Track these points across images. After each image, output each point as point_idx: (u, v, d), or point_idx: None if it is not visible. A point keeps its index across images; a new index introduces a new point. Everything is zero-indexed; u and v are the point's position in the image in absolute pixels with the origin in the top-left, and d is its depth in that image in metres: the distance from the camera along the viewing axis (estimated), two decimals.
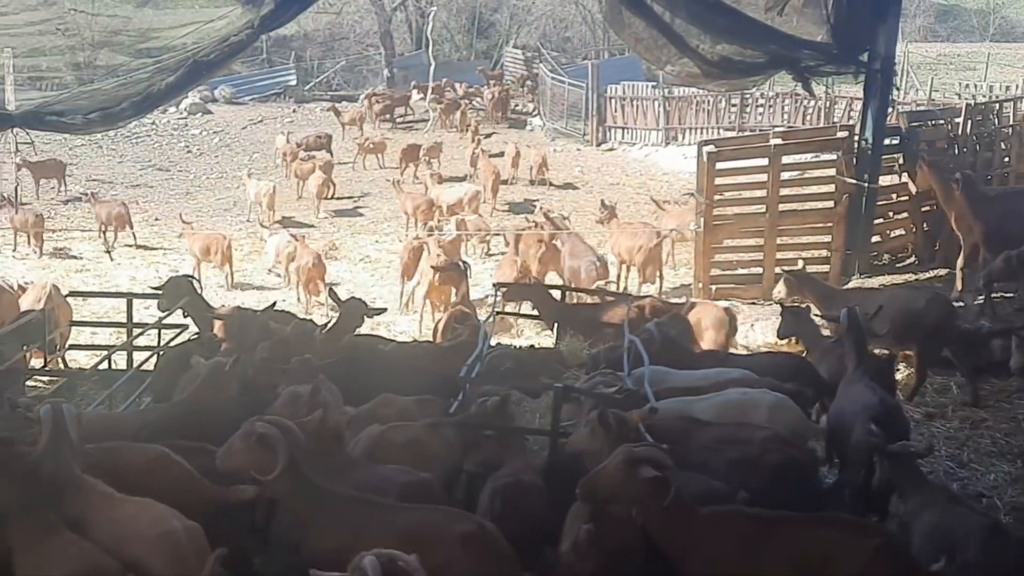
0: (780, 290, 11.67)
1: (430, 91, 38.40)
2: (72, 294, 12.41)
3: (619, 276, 16.59)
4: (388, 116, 36.30)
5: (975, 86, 32.91)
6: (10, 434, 5.88)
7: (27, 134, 14.26)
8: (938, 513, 5.84)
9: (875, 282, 13.18)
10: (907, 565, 5.27)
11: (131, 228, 21.49)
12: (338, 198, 26.31)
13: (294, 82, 43.80)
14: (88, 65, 13.09)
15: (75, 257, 20.68)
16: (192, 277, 12.08)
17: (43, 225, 20.88)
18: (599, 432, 6.18)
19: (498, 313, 12.16)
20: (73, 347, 11.67)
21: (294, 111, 39.25)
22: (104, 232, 21.34)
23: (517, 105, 39.58)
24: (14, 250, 20.91)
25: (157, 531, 5.30)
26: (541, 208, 19.88)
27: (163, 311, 10.71)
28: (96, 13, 13.15)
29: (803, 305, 10.64)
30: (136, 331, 11.05)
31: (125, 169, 30.81)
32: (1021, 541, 5.93)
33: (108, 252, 20.33)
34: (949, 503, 5.97)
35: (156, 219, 24.29)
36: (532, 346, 10.69)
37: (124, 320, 11.38)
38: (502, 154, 28.72)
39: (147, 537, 5.27)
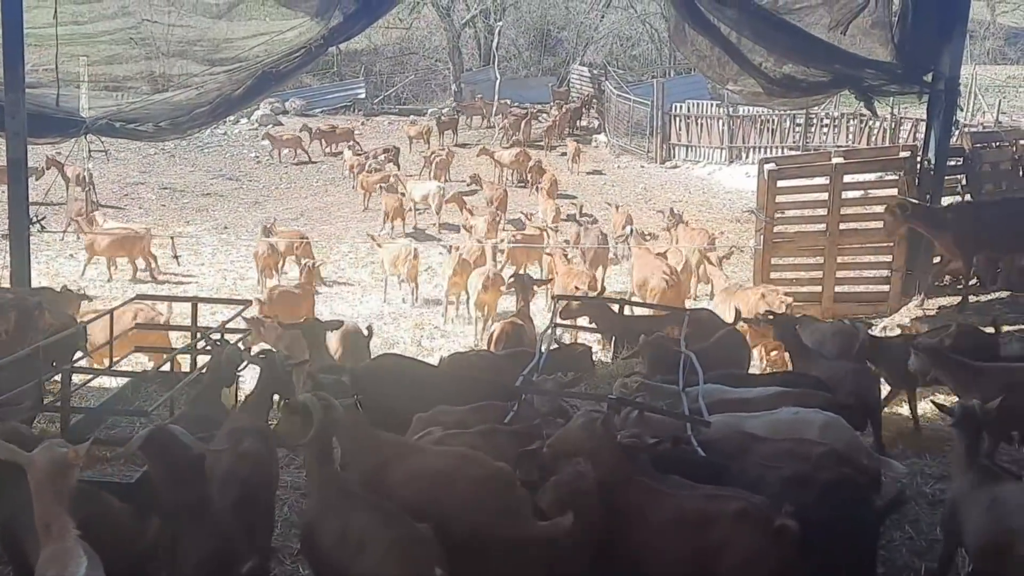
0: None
1: (495, 107, 38.88)
2: (139, 297, 12.68)
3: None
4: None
5: None
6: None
7: (100, 141, 14.58)
8: None
9: (935, 303, 13.04)
10: None
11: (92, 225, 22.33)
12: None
13: (363, 95, 44.37)
14: (163, 75, 13.39)
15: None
16: None
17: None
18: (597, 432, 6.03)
19: (556, 325, 12.23)
20: (139, 349, 11.90)
21: (363, 124, 39.83)
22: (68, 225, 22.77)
23: (583, 122, 39.87)
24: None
25: None
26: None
27: None
28: (171, 24, 13.44)
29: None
30: (200, 334, 11.27)
31: (196, 178, 31.43)
32: None
33: (176, 257, 20.75)
34: None
35: (225, 227, 24.75)
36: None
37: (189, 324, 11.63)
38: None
39: None
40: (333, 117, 40.88)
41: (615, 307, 12.70)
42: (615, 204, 23.10)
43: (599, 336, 13.01)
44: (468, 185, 27.53)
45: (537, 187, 27.64)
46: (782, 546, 5.43)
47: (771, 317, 10.58)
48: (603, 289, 15.99)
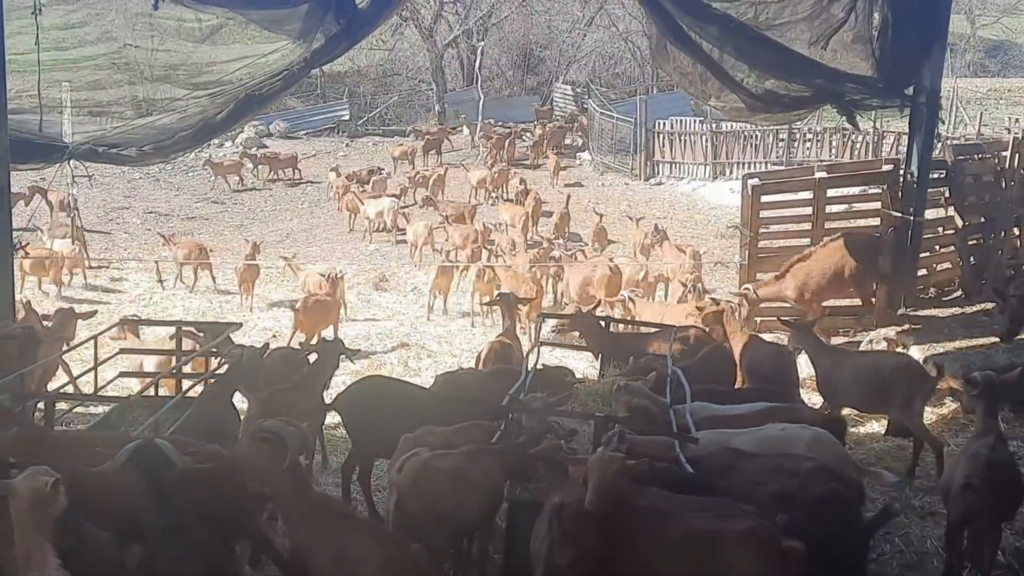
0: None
1: (479, 127, 39.01)
2: (124, 322, 12.64)
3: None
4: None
5: None
6: None
7: (84, 167, 14.56)
8: None
9: (921, 315, 13.05)
10: None
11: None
12: (389, 230, 26.51)
13: (347, 117, 44.40)
14: (146, 100, 13.37)
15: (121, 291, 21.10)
16: None
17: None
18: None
19: (542, 343, 12.21)
20: (124, 374, 11.84)
21: (347, 145, 39.88)
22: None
23: (567, 140, 39.98)
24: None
25: None
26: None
27: None
28: (154, 48, 13.43)
29: None
30: (184, 359, 11.22)
31: (181, 201, 31.35)
32: None
33: (161, 282, 20.70)
34: None
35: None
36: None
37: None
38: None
39: None
40: (317, 139, 40.98)
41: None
42: (600, 213, 23.44)
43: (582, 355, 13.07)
44: (421, 207, 27.33)
45: (501, 199, 28.70)
46: (789, 568, 5.40)
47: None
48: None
